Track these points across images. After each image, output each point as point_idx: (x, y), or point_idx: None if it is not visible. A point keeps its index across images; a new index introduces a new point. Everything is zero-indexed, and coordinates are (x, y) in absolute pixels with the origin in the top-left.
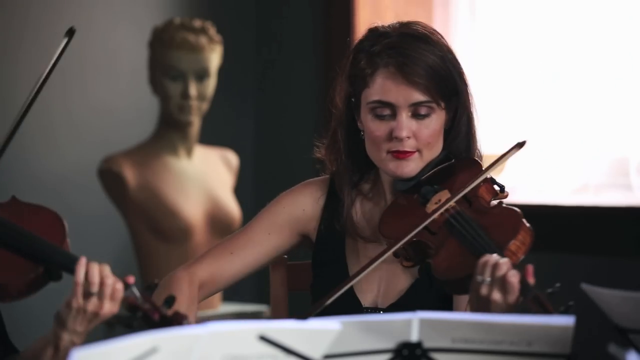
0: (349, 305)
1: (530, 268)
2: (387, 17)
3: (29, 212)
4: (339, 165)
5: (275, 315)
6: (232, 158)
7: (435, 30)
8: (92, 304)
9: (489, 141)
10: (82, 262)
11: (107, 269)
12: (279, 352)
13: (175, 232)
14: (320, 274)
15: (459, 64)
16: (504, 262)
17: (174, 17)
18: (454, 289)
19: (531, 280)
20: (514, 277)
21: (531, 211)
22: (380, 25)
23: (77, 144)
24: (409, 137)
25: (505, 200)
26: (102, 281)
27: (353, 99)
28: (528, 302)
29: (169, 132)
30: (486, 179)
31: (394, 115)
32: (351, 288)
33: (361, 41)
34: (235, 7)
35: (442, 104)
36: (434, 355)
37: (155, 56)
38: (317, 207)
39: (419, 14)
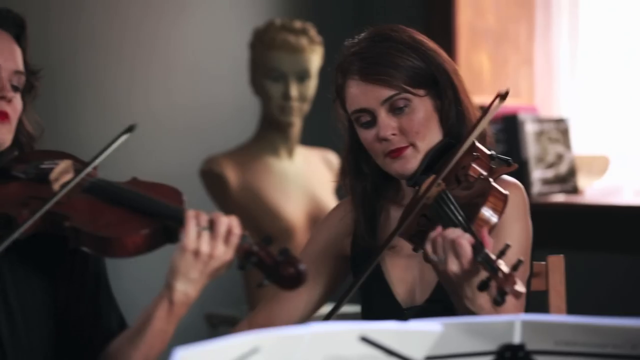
0: (388, 307)
1: (484, 230)
2: (489, 19)
3: (152, 186)
4: (350, 188)
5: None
6: (333, 159)
7: (401, 28)
8: (205, 244)
9: (593, 142)
10: (192, 211)
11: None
12: (379, 353)
13: (277, 233)
14: (364, 293)
15: (429, 50)
16: (451, 230)
17: (274, 18)
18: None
19: (487, 243)
20: (464, 240)
21: (636, 212)
22: (350, 40)
23: (179, 144)
24: (394, 135)
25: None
26: (217, 219)
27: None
28: (480, 264)
29: (270, 133)
30: (483, 155)
31: (375, 118)
32: (389, 289)
33: (337, 60)
34: (336, 8)
35: (422, 92)
36: (537, 357)
37: (256, 57)
38: (345, 224)
39: (521, 15)
